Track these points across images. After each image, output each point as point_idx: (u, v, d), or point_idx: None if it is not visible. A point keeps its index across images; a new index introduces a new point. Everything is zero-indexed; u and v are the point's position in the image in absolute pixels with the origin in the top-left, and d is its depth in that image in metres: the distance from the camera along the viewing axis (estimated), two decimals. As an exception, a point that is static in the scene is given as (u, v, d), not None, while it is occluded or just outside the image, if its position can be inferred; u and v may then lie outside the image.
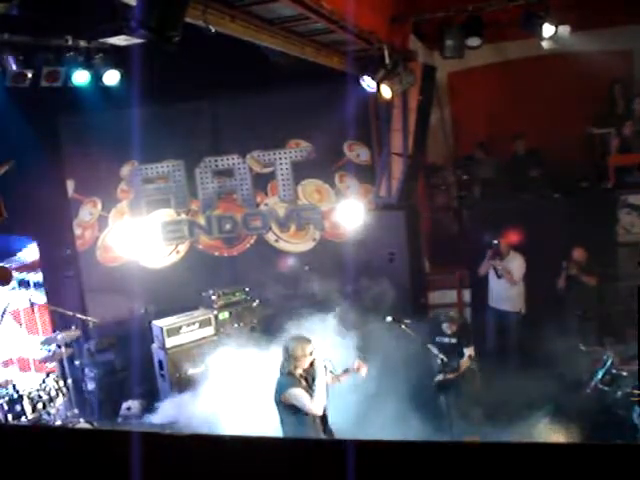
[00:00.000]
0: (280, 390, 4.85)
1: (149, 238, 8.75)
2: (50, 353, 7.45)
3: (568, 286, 7.75)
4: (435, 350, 6.80)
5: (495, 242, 7.86)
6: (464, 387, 6.81)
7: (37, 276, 8.31)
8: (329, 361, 5.07)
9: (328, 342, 6.72)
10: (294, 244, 9.46)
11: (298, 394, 4.77)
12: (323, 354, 5.07)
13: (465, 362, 6.90)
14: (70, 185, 9.04)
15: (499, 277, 7.95)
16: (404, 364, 6.80)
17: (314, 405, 4.78)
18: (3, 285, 7.05)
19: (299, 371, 4.87)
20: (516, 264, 7.88)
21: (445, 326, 7.03)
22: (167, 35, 3.93)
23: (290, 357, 4.87)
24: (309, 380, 4.89)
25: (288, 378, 4.85)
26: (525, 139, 9.29)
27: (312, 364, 4.89)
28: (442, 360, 6.82)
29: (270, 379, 5.12)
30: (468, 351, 6.91)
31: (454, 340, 6.98)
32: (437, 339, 6.99)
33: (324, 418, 4.98)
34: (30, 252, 8.39)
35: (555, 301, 7.91)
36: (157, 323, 8.01)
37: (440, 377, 6.82)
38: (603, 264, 7.79)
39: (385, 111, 8.26)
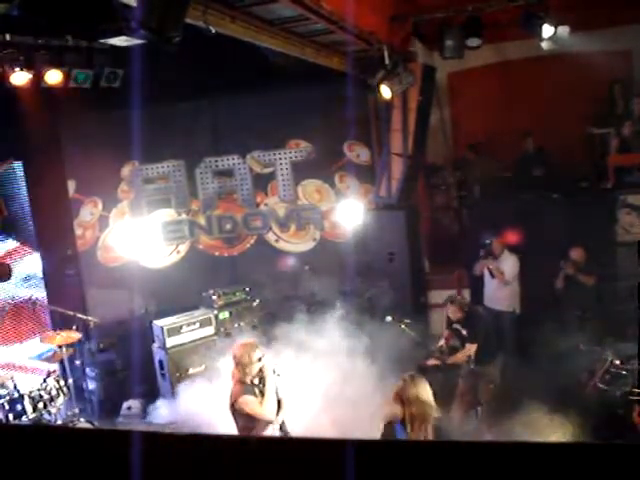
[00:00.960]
0: (232, 398, 4.82)
1: (150, 238, 8.74)
2: (51, 353, 7.46)
3: (567, 286, 7.76)
4: (444, 335, 6.71)
5: (487, 242, 7.87)
6: (443, 380, 6.52)
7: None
8: (276, 366, 5.07)
9: (328, 341, 6.77)
10: (294, 244, 9.46)
11: (249, 401, 4.77)
12: (271, 359, 5.13)
13: (460, 356, 6.57)
14: (71, 185, 9.04)
15: (492, 277, 7.96)
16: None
17: (264, 410, 4.79)
18: (3, 281, 7.06)
19: (249, 378, 4.84)
20: (509, 264, 7.87)
21: (450, 310, 6.71)
22: (167, 36, 3.94)
23: (238, 364, 4.85)
24: (260, 386, 4.88)
25: (238, 386, 4.83)
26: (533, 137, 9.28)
27: (261, 370, 4.88)
28: (440, 346, 6.74)
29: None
30: (469, 347, 6.55)
31: (464, 331, 6.64)
32: (454, 325, 6.72)
33: (282, 426, 5.01)
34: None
35: (555, 301, 7.91)
36: (158, 323, 8.02)
37: (429, 361, 6.70)
38: (602, 264, 7.79)
39: (385, 111, 8.26)
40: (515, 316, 7.96)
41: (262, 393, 4.84)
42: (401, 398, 4.34)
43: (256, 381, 4.89)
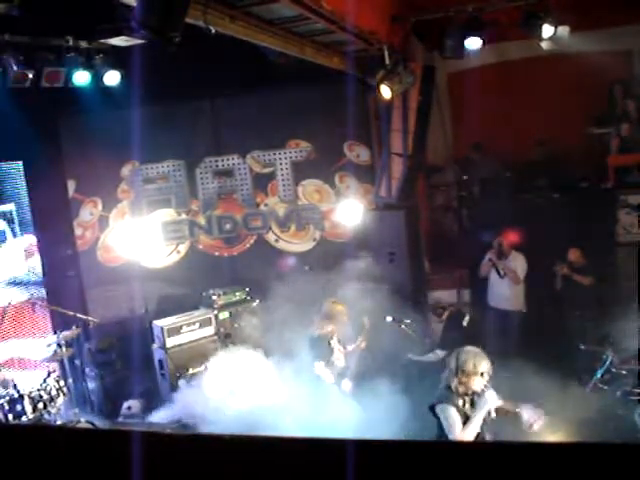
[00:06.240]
0: (435, 402, 4.33)
1: (150, 238, 8.75)
2: (51, 353, 7.46)
3: (566, 286, 7.77)
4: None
5: (498, 242, 7.88)
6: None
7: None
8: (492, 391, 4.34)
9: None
10: (294, 244, 9.47)
11: (449, 415, 4.21)
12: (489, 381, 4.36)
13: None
14: (71, 185, 9.04)
15: (502, 277, 7.94)
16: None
17: (462, 436, 4.15)
18: None
19: (462, 389, 4.24)
20: (519, 263, 7.90)
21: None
22: (168, 35, 3.94)
23: (457, 370, 4.25)
24: (471, 403, 4.27)
25: (446, 393, 4.28)
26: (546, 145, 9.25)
27: (482, 389, 4.24)
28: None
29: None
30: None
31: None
32: None
33: None
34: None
35: (555, 301, 7.92)
36: (157, 323, 8.03)
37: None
38: (603, 264, 7.79)
39: (385, 111, 8.26)
40: (523, 315, 7.97)
41: (466, 415, 4.24)
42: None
43: (468, 396, 4.29)
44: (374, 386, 6.49)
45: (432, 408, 4.36)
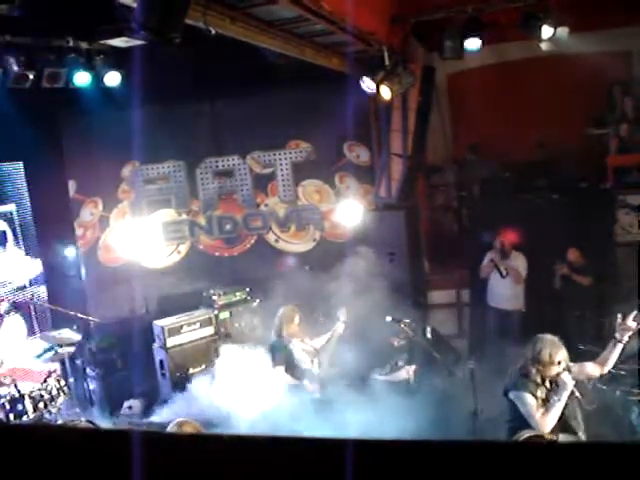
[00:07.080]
0: (510, 388, 4.43)
1: (150, 238, 8.77)
2: (52, 353, 7.47)
3: (565, 286, 7.78)
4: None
5: (500, 242, 7.90)
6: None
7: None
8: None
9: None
10: (294, 244, 9.48)
11: (526, 402, 4.27)
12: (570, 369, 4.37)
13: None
14: (71, 185, 9.06)
15: (504, 277, 7.95)
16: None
17: (543, 421, 4.19)
18: None
19: (539, 378, 4.32)
20: (520, 262, 7.92)
21: None
22: (168, 36, 3.95)
23: (534, 360, 4.32)
24: (550, 390, 4.32)
25: (522, 380, 4.35)
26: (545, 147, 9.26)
27: (558, 375, 4.28)
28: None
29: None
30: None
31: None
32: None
33: None
34: None
35: (554, 301, 7.93)
36: (158, 323, 8.03)
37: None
38: (602, 264, 7.80)
39: (385, 112, 8.27)
40: (522, 315, 7.99)
41: (547, 399, 4.28)
42: None
43: (547, 385, 4.35)
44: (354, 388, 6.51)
45: (506, 393, 4.42)
